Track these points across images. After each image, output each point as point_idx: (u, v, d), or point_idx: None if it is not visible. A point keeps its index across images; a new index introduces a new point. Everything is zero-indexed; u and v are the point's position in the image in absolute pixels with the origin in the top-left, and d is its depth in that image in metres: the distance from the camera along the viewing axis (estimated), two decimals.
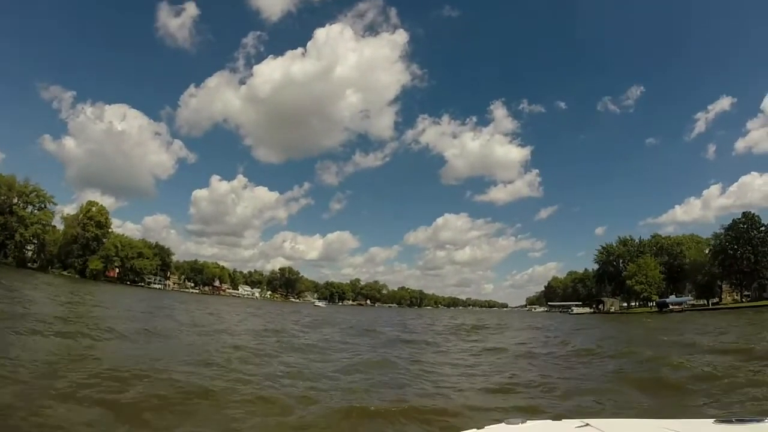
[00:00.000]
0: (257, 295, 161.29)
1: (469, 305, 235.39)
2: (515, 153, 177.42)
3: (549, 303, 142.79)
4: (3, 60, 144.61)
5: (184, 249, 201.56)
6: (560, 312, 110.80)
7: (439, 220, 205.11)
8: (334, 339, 20.24)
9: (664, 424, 2.22)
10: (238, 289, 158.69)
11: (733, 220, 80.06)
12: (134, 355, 10.77)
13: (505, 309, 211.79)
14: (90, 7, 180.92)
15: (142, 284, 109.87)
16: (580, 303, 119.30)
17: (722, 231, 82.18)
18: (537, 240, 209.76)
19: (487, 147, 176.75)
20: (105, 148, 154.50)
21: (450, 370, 12.25)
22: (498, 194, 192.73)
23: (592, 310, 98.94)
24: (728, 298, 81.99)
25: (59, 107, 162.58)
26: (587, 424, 2.34)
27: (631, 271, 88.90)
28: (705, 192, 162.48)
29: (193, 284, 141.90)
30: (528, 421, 2.69)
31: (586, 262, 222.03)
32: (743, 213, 79.79)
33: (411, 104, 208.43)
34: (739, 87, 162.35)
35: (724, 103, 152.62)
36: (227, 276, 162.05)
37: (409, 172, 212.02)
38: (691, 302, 79.73)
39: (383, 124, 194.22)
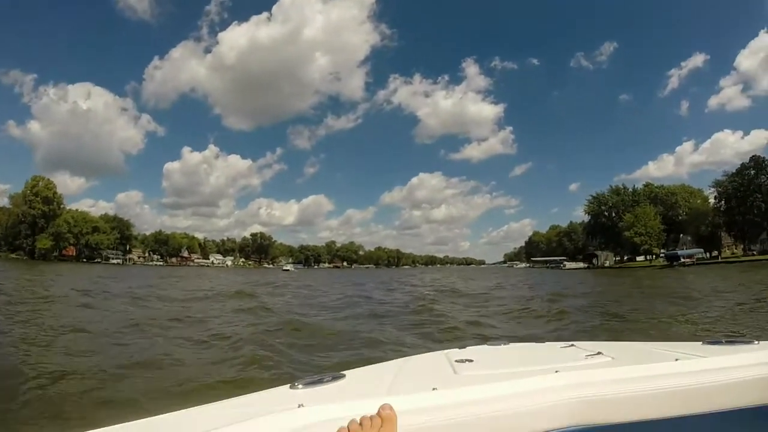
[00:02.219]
0: (229, 263, 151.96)
1: (447, 263, 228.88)
2: (488, 110, 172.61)
3: (532, 259, 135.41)
4: None
5: (159, 223, 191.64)
6: (548, 268, 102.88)
7: (414, 180, 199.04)
8: None
9: (652, 346, 2.24)
10: (208, 259, 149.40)
11: (742, 164, 72.29)
12: None
13: (483, 266, 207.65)
14: None
15: (99, 260, 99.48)
16: (566, 258, 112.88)
17: (725, 177, 74.61)
18: (512, 197, 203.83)
19: (460, 105, 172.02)
20: (71, 129, 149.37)
21: None
22: (472, 152, 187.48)
23: (585, 266, 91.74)
24: (727, 251, 75.40)
25: (21, 91, 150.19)
26: (572, 345, 2.28)
27: (629, 222, 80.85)
28: (678, 149, 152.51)
29: (159, 256, 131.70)
30: (511, 343, 2.74)
31: (560, 218, 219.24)
32: (751, 157, 71.88)
33: (381, 64, 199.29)
34: (712, 44, 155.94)
35: (698, 59, 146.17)
36: (197, 245, 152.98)
37: (382, 132, 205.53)
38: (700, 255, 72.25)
39: (354, 85, 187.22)
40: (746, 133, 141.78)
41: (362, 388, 1.67)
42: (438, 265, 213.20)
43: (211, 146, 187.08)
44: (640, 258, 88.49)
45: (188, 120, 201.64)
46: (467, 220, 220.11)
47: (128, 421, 1.24)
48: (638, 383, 1.36)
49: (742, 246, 73.74)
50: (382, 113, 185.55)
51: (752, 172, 70.26)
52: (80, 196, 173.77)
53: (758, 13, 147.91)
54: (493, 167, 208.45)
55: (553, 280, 39.78)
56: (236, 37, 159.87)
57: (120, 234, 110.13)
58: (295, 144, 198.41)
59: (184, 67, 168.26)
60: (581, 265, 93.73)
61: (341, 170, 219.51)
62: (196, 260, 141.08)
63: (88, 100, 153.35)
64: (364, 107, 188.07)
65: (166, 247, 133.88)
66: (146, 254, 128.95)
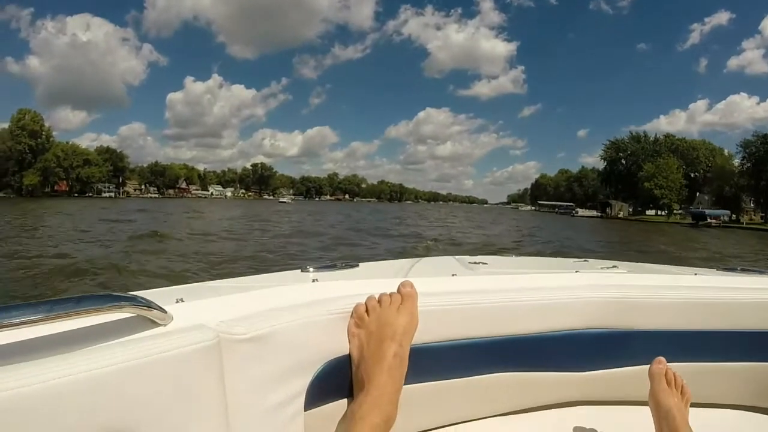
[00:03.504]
0: (229, 194, 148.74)
1: (450, 200, 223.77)
2: (501, 47, 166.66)
3: (538, 202, 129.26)
4: None
5: (162, 154, 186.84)
6: (557, 213, 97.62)
7: (421, 114, 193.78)
8: None
9: (667, 267, 2.26)
10: (208, 190, 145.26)
11: None
12: None
13: (485, 205, 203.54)
14: None
15: (91, 194, 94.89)
16: (573, 204, 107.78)
17: (756, 137, 67.35)
18: (518, 138, 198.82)
19: (472, 40, 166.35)
20: (71, 62, 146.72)
21: None
22: (482, 89, 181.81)
23: (599, 214, 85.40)
24: (745, 216, 68.56)
25: (18, 26, 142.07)
26: (586, 260, 2.33)
27: (649, 172, 74.42)
28: (692, 106, 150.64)
29: (156, 189, 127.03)
30: (521, 256, 2.59)
31: (567, 164, 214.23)
32: None
33: None
34: (739, 3, 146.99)
35: (722, 17, 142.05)
36: (196, 177, 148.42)
37: (390, 64, 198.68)
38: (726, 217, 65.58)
39: (363, 14, 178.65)
40: (762, 99, 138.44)
41: (378, 274, 1.63)
42: (441, 202, 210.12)
43: (215, 76, 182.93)
44: (650, 212, 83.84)
45: (191, 49, 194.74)
46: (472, 159, 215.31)
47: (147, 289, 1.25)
48: (660, 291, 1.34)
49: (761, 214, 68.06)
50: (391, 44, 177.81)
51: None
52: (83, 130, 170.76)
53: None
54: (501, 106, 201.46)
55: (579, 231, 34.81)
56: None
57: (113, 166, 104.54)
58: (301, 73, 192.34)
59: None
60: (594, 213, 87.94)
61: (347, 101, 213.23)
62: (194, 192, 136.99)
63: (87, 32, 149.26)
64: (372, 37, 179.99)
65: (163, 179, 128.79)
66: (142, 186, 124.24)
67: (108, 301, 0.68)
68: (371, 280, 1.15)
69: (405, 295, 1.06)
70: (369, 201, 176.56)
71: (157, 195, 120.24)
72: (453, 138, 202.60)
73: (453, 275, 1.33)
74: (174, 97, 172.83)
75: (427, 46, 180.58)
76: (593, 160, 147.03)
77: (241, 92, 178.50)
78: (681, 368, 1.23)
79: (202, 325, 0.78)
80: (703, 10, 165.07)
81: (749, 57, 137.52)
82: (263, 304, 0.96)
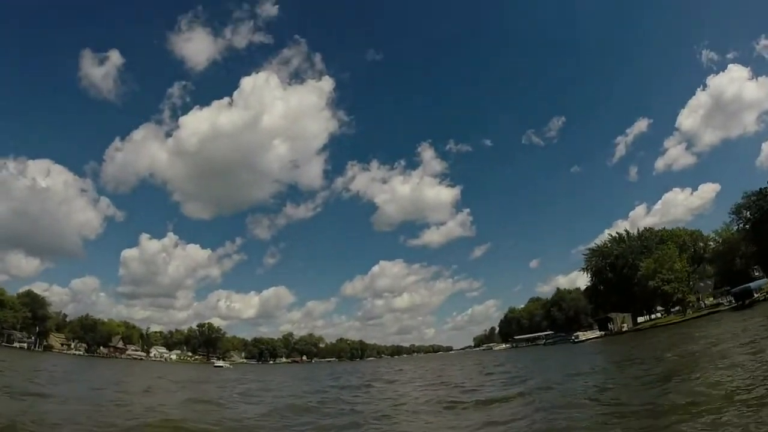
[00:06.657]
0: (174, 357, 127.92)
1: (413, 352, 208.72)
2: (445, 194, 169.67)
3: (514, 337, 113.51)
4: None
5: (115, 312, 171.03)
6: (546, 344, 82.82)
7: (375, 269, 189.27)
8: None
9: None
10: (148, 351, 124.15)
11: None
12: None
13: (451, 352, 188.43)
14: (9, 56, 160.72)
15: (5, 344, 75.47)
16: (552, 332, 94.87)
17: (744, 201, 60.17)
18: (473, 279, 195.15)
19: (417, 190, 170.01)
20: (28, 206, 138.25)
21: None
22: (431, 237, 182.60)
23: (602, 333, 71.92)
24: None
25: None
26: None
27: (649, 269, 62.82)
28: (631, 213, 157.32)
29: (85, 345, 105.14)
30: None
31: (524, 296, 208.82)
32: None
33: (339, 151, 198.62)
34: (654, 108, 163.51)
35: (642, 125, 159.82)
36: (137, 336, 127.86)
37: (341, 221, 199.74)
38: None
39: (313, 173, 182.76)
40: (694, 188, 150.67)
41: None
42: (404, 355, 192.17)
43: (170, 234, 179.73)
44: (640, 318, 72.71)
45: (147, 206, 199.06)
46: (431, 307, 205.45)
47: None
48: None
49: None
50: (340, 201, 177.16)
51: None
52: (34, 278, 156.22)
53: (695, 73, 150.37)
54: (453, 250, 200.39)
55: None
56: (197, 122, 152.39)
57: (32, 313, 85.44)
58: (255, 233, 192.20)
59: (144, 151, 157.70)
60: (597, 333, 74.08)
61: (302, 260, 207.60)
62: (130, 352, 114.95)
63: (47, 178, 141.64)
64: (323, 195, 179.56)
65: (93, 335, 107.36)
66: (70, 341, 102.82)
67: None
68: None
69: None
70: (328, 361, 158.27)
71: (82, 352, 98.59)
72: (409, 288, 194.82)
73: None
74: (129, 254, 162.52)
75: (375, 200, 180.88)
76: (549, 288, 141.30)
77: (196, 252, 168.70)
78: None
79: None
80: (623, 122, 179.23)
81: (673, 154, 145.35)
82: None
